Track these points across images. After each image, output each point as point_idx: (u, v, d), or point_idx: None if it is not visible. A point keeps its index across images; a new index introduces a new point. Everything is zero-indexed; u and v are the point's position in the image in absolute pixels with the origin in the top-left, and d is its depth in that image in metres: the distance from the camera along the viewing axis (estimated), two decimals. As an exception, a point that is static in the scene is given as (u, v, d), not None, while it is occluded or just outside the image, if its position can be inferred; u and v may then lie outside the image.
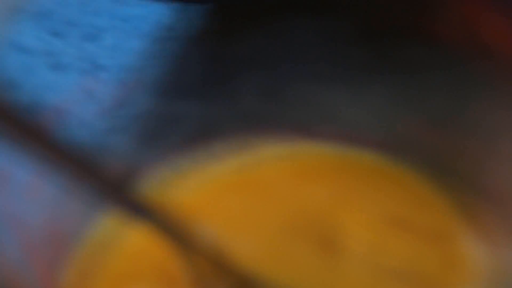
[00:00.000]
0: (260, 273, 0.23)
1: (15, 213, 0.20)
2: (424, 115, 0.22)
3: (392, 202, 0.23)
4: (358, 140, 0.24)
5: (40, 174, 0.19)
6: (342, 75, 0.23)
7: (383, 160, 0.24)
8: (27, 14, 0.20)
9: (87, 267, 0.22)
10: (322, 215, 0.24)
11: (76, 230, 0.23)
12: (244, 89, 0.24)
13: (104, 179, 0.17)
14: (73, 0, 0.21)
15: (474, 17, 0.18)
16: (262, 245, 0.24)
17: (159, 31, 0.22)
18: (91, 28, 0.21)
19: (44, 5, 0.20)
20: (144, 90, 0.23)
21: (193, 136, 0.25)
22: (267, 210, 0.25)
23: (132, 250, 0.23)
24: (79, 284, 0.22)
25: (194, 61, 0.23)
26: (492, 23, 0.18)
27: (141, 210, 0.19)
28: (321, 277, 0.23)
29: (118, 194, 0.18)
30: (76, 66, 0.22)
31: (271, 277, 0.23)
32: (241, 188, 0.26)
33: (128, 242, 0.23)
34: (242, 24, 0.22)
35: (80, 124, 0.21)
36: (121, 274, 0.23)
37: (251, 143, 0.26)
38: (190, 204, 0.25)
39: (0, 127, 0.13)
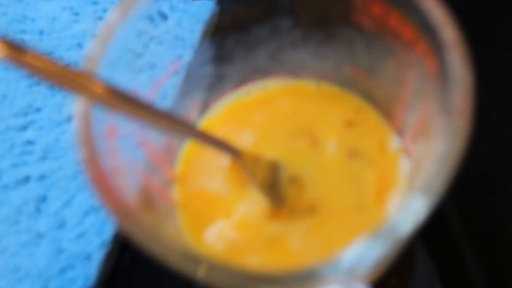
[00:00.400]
0: (277, 158, 0.30)
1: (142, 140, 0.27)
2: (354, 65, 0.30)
3: (343, 112, 0.32)
4: (319, 77, 0.33)
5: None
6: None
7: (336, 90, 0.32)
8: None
9: (189, 164, 0.32)
10: (308, 121, 0.32)
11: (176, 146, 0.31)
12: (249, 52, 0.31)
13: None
14: None
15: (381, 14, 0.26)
16: (274, 141, 0.32)
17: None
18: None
19: None
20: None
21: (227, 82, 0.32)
22: (275, 119, 0.32)
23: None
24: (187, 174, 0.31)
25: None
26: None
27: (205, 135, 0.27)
28: (307, 159, 0.31)
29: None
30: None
31: (284, 161, 0.31)
32: (260, 104, 0.33)
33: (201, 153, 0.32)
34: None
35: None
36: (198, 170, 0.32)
37: (258, 83, 0.33)
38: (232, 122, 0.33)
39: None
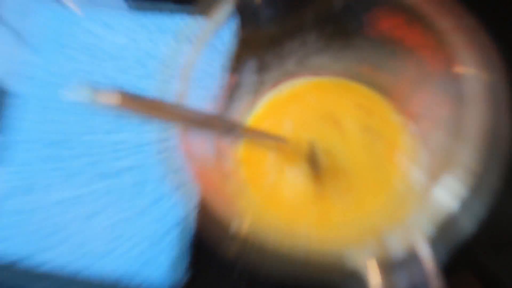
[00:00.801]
0: (311, 138, 0.32)
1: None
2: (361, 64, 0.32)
3: (354, 98, 0.33)
4: (335, 75, 0.34)
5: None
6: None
7: (348, 83, 0.34)
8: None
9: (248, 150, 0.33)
10: (330, 108, 0.34)
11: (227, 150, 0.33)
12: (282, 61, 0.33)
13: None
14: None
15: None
16: (307, 126, 0.33)
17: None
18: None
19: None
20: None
21: (266, 85, 0.34)
22: (305, 109, 0.34)
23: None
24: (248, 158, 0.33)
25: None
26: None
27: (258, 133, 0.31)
28: (333, 137, 0.33)
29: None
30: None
31: (317, 139, 0.32)
32: (293, 99, 0.34)
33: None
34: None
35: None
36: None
37: (288, 83, 0.35)
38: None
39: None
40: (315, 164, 0.32)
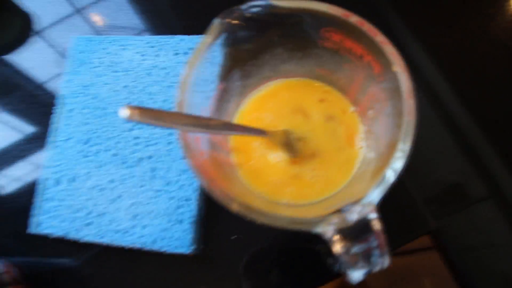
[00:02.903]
0: (287, 127, 0.29)
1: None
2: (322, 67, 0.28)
3: (317, 94, 0.30)
4: (302, 76, 0.31)
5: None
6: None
7: (312, 82, 0.30)
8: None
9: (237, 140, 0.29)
10: (299, 103, 0.30)
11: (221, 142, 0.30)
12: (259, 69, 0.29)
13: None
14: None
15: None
16: (282, 118, 0.30)
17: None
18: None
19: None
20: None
21: (249, 88, 0.30)
22: (280, 104, 0.31)
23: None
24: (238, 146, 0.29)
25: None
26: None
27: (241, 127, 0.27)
28: (303, 126, 0.30)
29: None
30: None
31: (291, 128, 0.29)
32: (270, 97, 0.31)
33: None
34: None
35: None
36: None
37: (266, 84, 0.31)
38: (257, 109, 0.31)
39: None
40: (291, 148, 0.29)
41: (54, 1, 0.44)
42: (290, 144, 0.29)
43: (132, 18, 0.42)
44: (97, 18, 0.43)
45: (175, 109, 0.23)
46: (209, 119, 0.25)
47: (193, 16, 0.41)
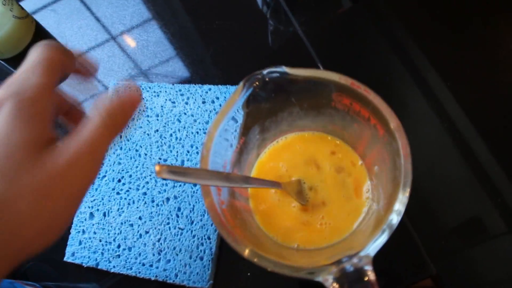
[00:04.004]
0: (300, 177, 0.32)
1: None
2: (334, 124, 0.31)
3: (329, 147, 0.33)
4: (315, 130, 0.33)
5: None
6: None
7: (325, 136, 0.33)
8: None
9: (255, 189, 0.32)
10: (312, 154, 0.33)
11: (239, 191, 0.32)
12: (277, 125, 0.32)
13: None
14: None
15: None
16: (296, 168, 0.33)
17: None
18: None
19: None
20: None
21: (267, 140, 0.33)
22: (295, 155, 0.33)
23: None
24: (255, 194, 0.32)
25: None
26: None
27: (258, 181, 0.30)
28: (315, 176, 0.32)
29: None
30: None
31: (303, 178, 0.32)
32: (286, 148, 0.34)
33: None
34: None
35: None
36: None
37: (283, 137, 0.34)
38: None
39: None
40: (303, 197, 0.31)
41: (95, 46, 0.49)
42: (302, 193, 0.31)
43: (165, 66, 0.46)
44: (132, 65, 0.47)
45: (201, 157, 0.26)
46: (228, 174, 0.28)
47: (220, 67, 0.44)
